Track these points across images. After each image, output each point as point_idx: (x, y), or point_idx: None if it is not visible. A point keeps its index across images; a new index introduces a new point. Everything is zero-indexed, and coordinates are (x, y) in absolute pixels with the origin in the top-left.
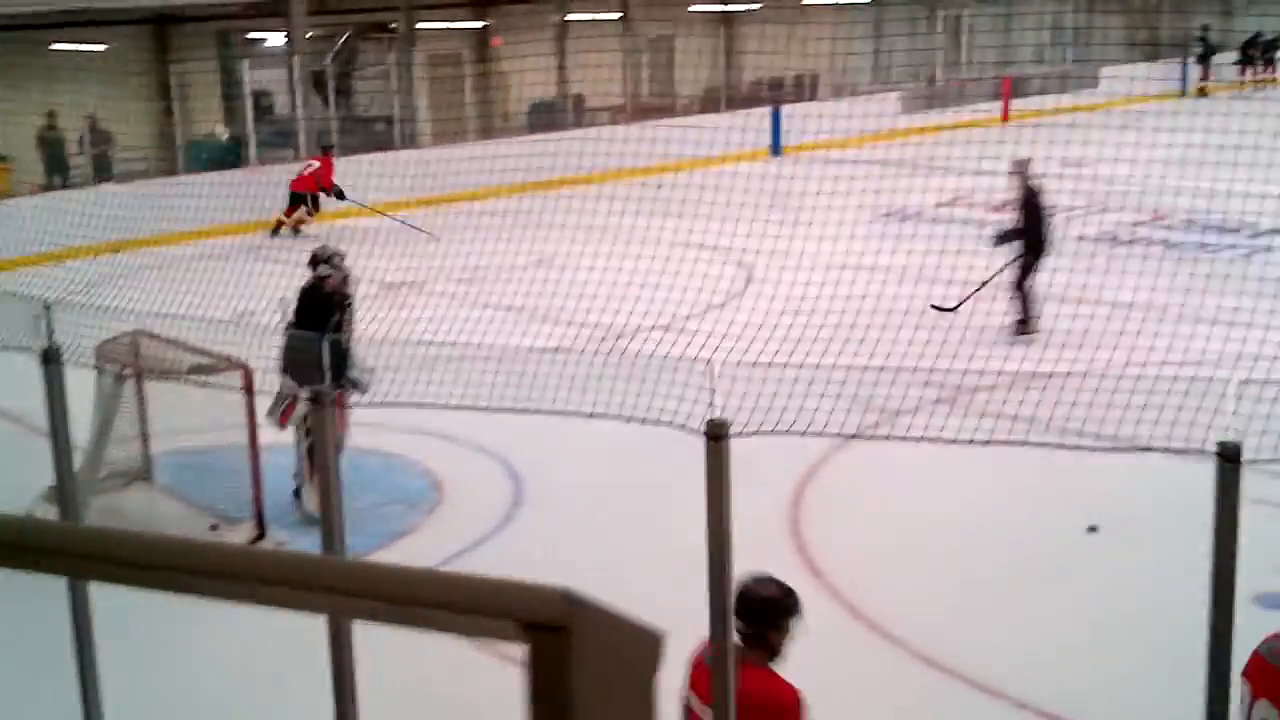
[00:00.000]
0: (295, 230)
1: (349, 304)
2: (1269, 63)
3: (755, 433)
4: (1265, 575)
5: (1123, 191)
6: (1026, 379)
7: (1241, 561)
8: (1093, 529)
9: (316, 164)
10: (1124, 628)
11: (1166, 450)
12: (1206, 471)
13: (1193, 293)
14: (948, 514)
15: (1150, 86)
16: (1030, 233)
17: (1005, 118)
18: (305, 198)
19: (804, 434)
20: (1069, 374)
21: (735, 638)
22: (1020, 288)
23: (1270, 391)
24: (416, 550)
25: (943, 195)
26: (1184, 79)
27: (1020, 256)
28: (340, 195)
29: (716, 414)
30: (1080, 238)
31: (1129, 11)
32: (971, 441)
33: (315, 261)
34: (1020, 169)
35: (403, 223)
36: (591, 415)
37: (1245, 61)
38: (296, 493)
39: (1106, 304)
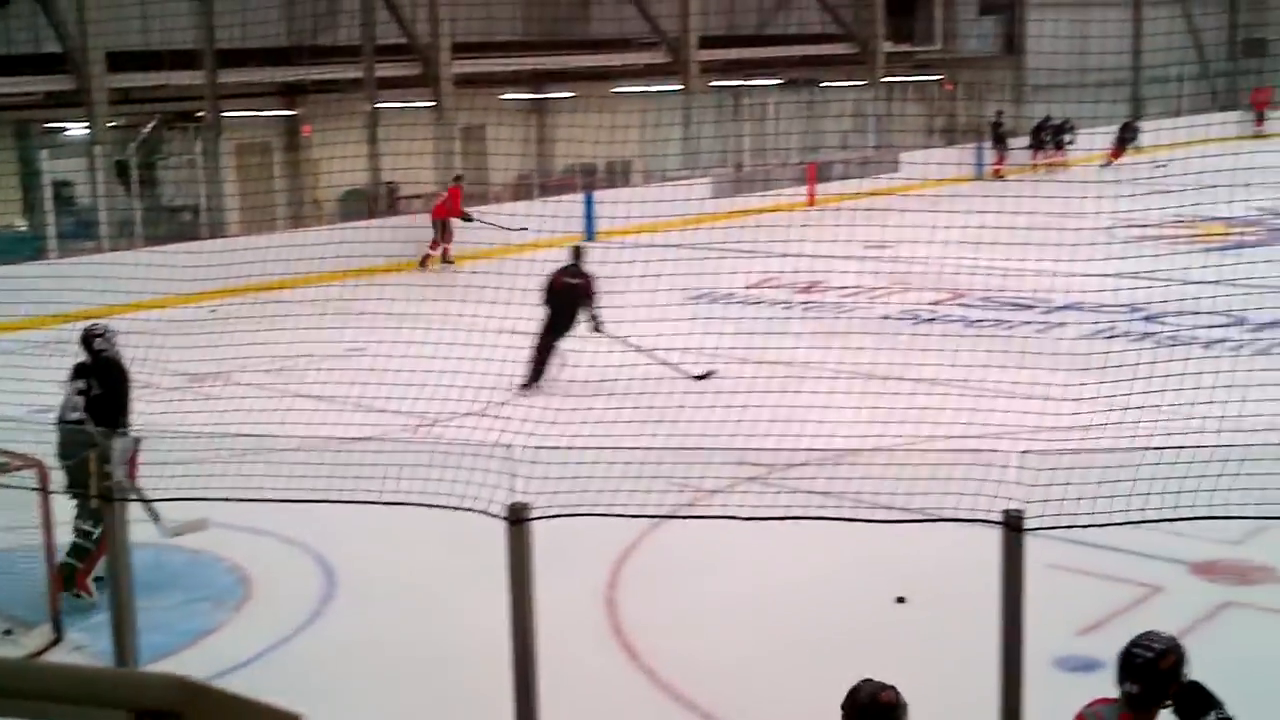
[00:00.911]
0: (445, 259)
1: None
2: (1058, 145)
3: (559, 515)
4: (1065, 639)
5: (923, 271)
6: (834, 455)
7: (1041, 626)
8: (901, 600)
9: (446, 194)
10: (932, 697)
11: (957, 520)
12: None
13: (991, 367)
14: (763, 590)
15: (948, 170)
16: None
17: (811, 201)
18: (438, 225)
19: (606, 515)
20: (875, 449)
21: None
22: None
23: (1053, 461)
24: (222, 648)
25: (751, 277)
26: (979, 162)
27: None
28: (468, 219)
29: (518, 498)
30: (884, 317)
31: (927, 99)
32: (783, 518)
33: (88, 338)
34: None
35: (495, 225)
36: (393, 504)
37: (1036, 145)
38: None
39: (911, 380)
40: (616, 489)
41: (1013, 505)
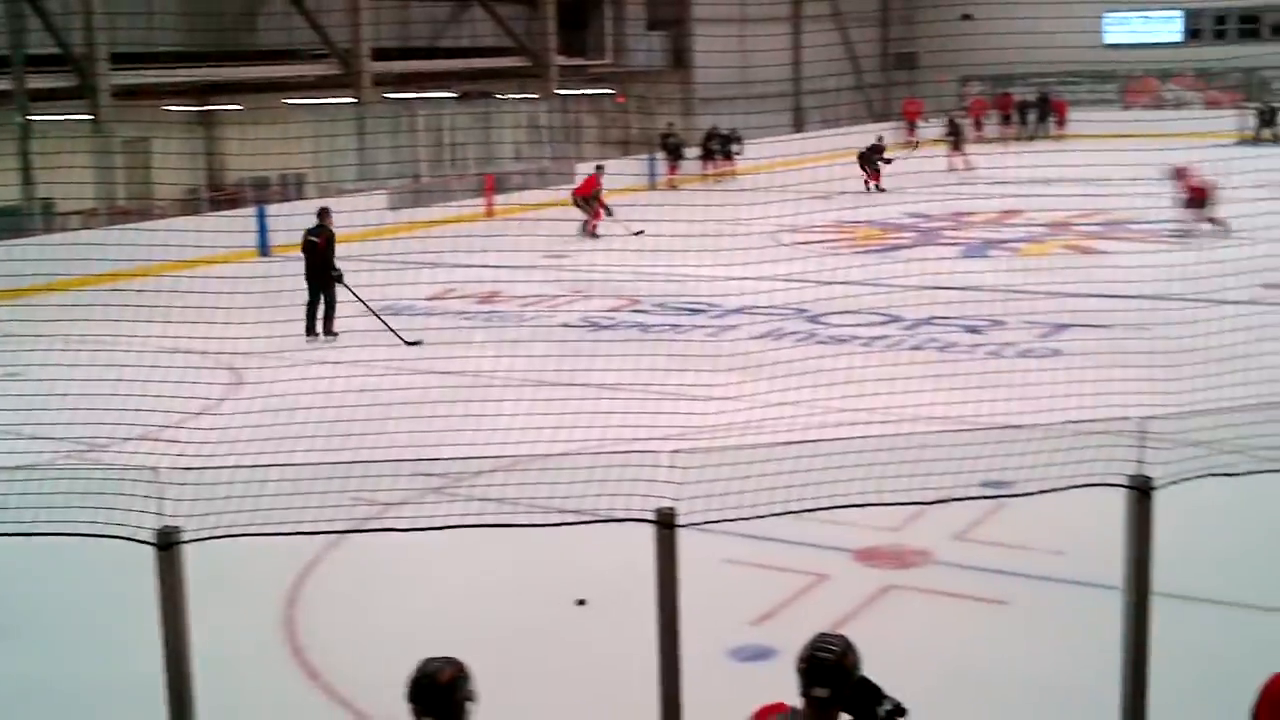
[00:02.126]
0: (593, 234)
1: None
2: (727, 155)
3: (215, 537)
4: (739, 629)
5: (601, 280)
6: (512, 462)
7: (715, 618)
8: (581, 602)
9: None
10: (616, 695)
11: (613, 520)
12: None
13: (671, 371)
14: (447, 600)
15: (623, 180)
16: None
17: (489, 213)
18: (584, 202)
19: (263, 535)
20: (550, 455)
21: None
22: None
23: (717, 458)
24: None
25: (433, 288)
26: (652, 173)
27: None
28: (607, 211)
29: (178, 521)
30: (564, 325)
31: (600, 111)
32: (450, 527)
33: None
34: None
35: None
36: (36, 535)
37: (706, 155)
38: None
39: (591, 385)
40: (288, 506)
41: (668, 503)
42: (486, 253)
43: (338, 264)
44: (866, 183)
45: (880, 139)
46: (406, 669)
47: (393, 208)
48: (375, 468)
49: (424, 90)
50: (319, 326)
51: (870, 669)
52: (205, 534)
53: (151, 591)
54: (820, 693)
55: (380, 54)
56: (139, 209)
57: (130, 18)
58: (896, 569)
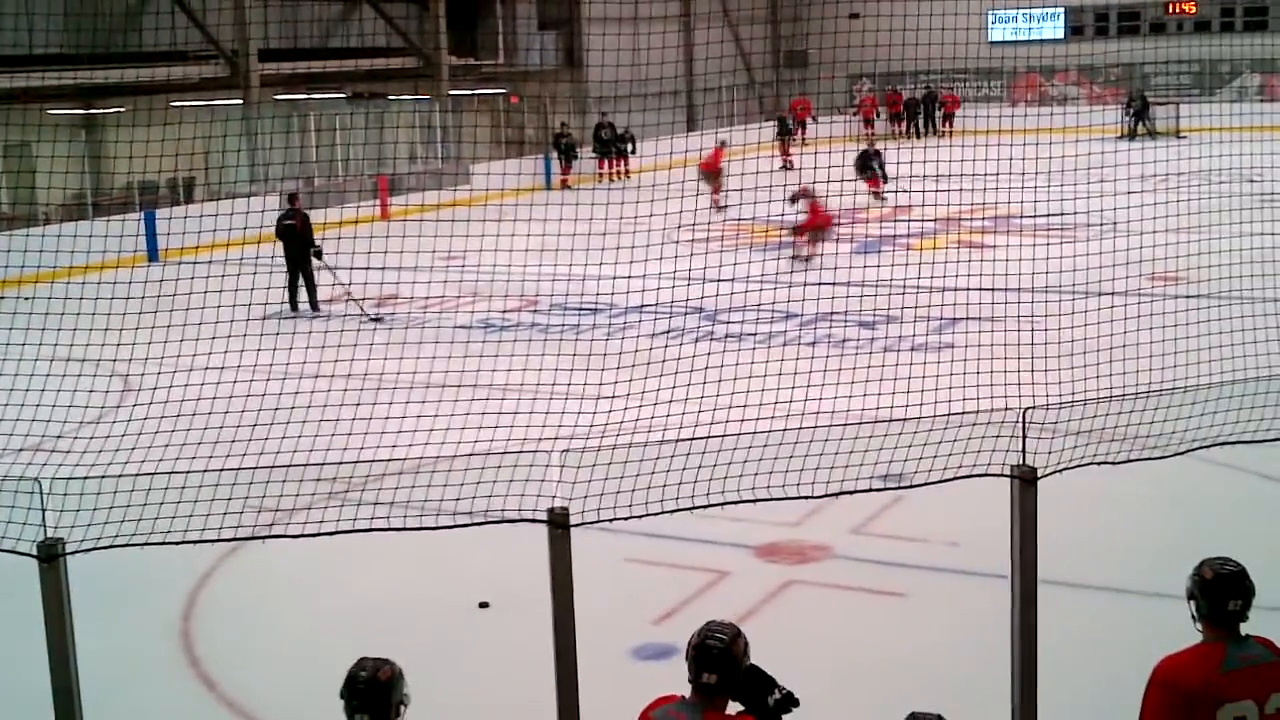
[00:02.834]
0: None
1: None
2: (622, 154)
3: (111, 546)
4: (640, 629)
5: (497, 280)
6: (406, 465)
7: (617, 618)
8: (484, 605)
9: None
10: (523, 696)
11: (506, 521)
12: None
13: (564, 371)
14: (345, 607)
15: (520, 180)
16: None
17: (384, 215)
18: (709, 175)
19: (151, 544)
20: (446, 457)
21: None
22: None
23: (619, 456)
24: None
25: (328, 291)
26: (548, 172)
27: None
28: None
29: (61, 533)
30: (459, 326)
31: (493, 111)
32: (356, 531)
33: None
34: None
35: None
36: None
37: (601, 154)
38: None
39: (488, 386)
40: (181, 514)
41: (562, 503)
42: (381, 253)
43: (317, 241)
44: (869, 190)
45: (871, 144)
46: (305, 677)
47: None
48: (271, 474)
49: (314, 91)
50: (304, 303)
51: (771, 663)
52: (90, 545)
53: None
54: (708, 678)
55: (268, 55)
56: (23, 215)
57: (8, 19)
58: (796, 564)
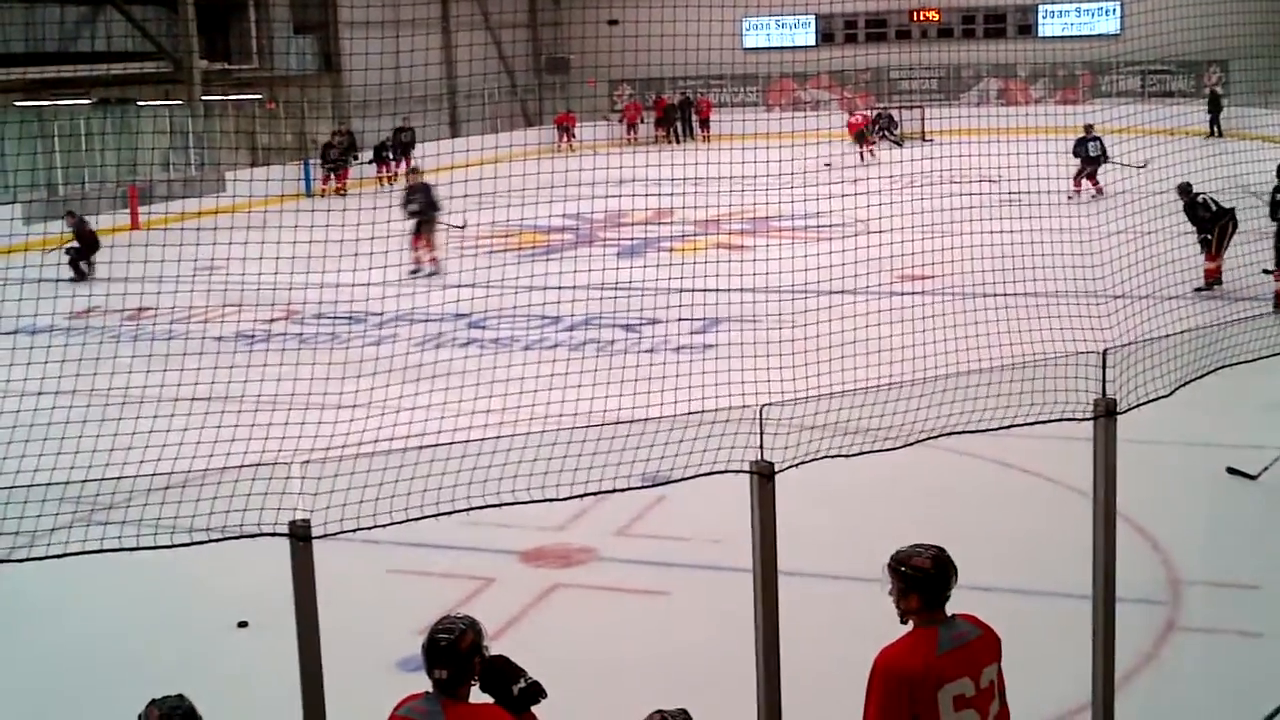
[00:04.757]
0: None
1: None
2: (384, 161)
3: None
4: (405, 639)
5: (255, 290)
6: (155, 481)
7: (381, 629)
8: (243, 624)
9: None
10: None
11: (246, 536)
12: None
13: (333, 380)
14: (99, 632)
15: (280, 187)
16: None
17: (135, 225)
18: (857, 135)
19: None
20: (205, 470)
21: None
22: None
23: (334, 469)
24: None
25: (77, 304)
26: (308, 178)
27: None
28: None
29: None
30: (217, 338)
31: (249, 117)
32: (97, 551)
33: None
34: None
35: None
36: None
37: (380, 160)
38: None
39: (238, 399)
40: None
41: (302, 514)
42: (132, 264)
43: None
44: (862, 153)
45: (884, 111)
46: (58, 703)
47: (27, 219)
48: (10, 494)
49: (58, 97)
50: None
51: (534, 664)
52: None
53: None
54: (439, 674)
55: (7, 60)
56: None
57: None
58: (562, 568)
